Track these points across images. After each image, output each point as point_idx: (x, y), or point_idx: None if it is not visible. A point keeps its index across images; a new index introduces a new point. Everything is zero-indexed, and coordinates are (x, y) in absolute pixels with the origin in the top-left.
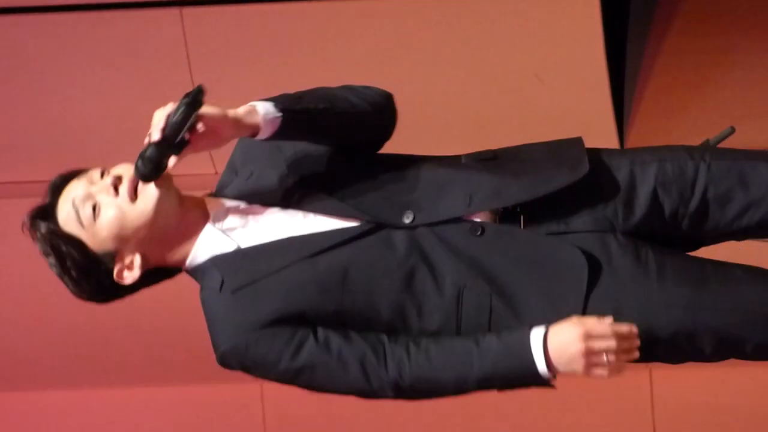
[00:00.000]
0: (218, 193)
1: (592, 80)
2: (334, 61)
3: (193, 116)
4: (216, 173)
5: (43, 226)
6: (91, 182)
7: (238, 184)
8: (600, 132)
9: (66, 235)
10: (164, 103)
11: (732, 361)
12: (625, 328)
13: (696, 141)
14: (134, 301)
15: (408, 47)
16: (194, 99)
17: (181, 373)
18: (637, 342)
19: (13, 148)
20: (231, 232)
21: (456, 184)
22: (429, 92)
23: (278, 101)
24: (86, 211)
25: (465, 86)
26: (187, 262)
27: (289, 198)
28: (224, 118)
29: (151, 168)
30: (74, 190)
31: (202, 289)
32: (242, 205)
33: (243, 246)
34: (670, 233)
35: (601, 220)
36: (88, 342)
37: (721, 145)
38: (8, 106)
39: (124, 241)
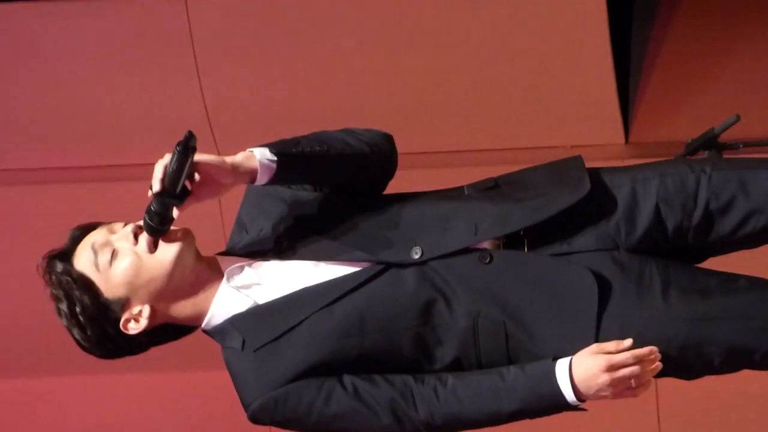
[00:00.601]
0: (229, 252)
1: (597, 67)
2: (339, 48)
3: (188, 163)
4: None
5: (59, 266)
6: (112, 232)
7: (249, 241)
8: (604, 119)
9: (80, 276)
10: (165, 92)
11: None
12: (645, 351)
13: (701, 129)
14: None
15: (412, 34)
16: (185, 146)
17: (183, 359)
18: (659, 357)
19: (17, 135)
20: (246, 290)
21: (460, 215)
22: (432, 80)
23: (274, 146)
24: (104, 257)
25: (469, 73)
26: (204, 323)
27: (298, 249)
28: (221, 165)
29: (158, 221)
30: (94, 237)
31: (223, 349)
32: (254, 261)
33: (259, 302)
34: (675, 247)
35: (604, 238)
36: None
37: (726, 134)
38: (13, 92)
39: (135, 289)
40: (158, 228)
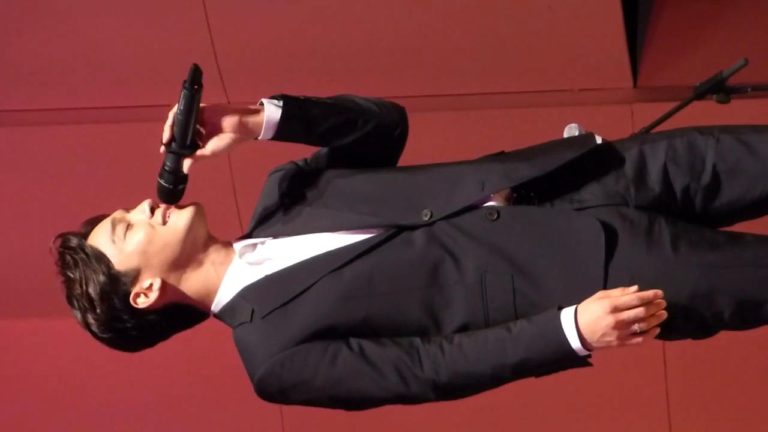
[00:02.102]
0: (243, 237)
1: (605, 10)
2: (346, 5)
3: (196, 102)
4: (228, 103)
5: (73, 240)
6: (127, 211)
7: (263, 225)
8: (613, 62)
9: (93, 249)
10: (172, 33)
11: None
12: (650, 294)
13: (709, 73)
14: None
15: None
16: (192, 81)
17: None
18: (664, 303)
19: (22, 76)
20: (258, 265)
21: (467, 174)
22: (439, 22)
23: (281, 95)
24: (120, 230)
25: (475, 15)
26: (215, 302)
27: (309, 223)
28: (225, 109)
29: (171, 179)
30: (113, 215)
31: (234, 330)
32: (268, 240)
33: (270, 273)
34: (683, 211)
35: (612, 194)
36: None
37: (734, 78)
38: (18, 34)
39: (148, 259)
40: (171, 188)
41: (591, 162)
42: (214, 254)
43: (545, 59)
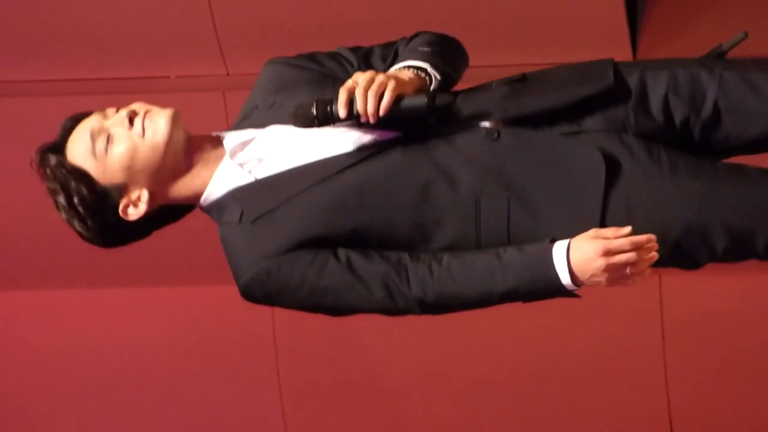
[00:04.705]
0: (237, 126)
1: None
2: None
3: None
4: (228, 74)
5: (52, 159)
6: (105, 118)
7: (258, 115)
8: (612, 35)
9: (74, 167)
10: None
11: (742, 266)
12: (642, 238)
13: (709, 46)
14: None
15: None
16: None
17: (188, 273)
18: (656, 247)
19: (15, 46)
20: (248, 165)
21: (478, 96)
22: None
23: (434, 64)
24: (100, 143)
25: None
26: (203, 198)
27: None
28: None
29: (324, 115)
30: (89, 123)
31: (220, 225)
32: (260, 135)
33: (261, 177)
34: (681, 143)
35: (612, 120)
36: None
37: (733, 51)
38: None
39: (133, 173)
40: (315, 120)
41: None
42: (202, 156)
43: (543, 31)
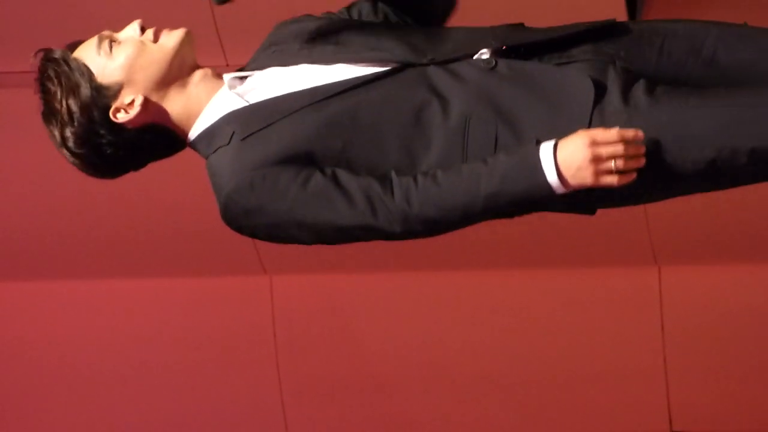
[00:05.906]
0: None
1: None
2: None
3: None
4: (227, 65)
5: (57, 52)
6: (116, 31)
7: (259, 60)
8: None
9: (75, 60)
10: None
11: (742, 259)
12: (630, 132)
13: None
14: (140, 186)
15: None
16: None
17: (188, 264)
18: (643, 148)
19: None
20: (246, 94)
21: (477, 32)
22: None
23: None
24: (106, 45)
25: None
26: (194, 127)
27: (306, 56)
28: None
29: None
30: (101, 32)
31: (209, 158)
32: (258, 73)
33: (254, 102)
34: (675, 77)
35: (603, 53)
36: (91, 230)
37: None
38: None
39: (133, 73)
40: None
41: (593, 31)
42: (202, 81)
43: (537, 8)
